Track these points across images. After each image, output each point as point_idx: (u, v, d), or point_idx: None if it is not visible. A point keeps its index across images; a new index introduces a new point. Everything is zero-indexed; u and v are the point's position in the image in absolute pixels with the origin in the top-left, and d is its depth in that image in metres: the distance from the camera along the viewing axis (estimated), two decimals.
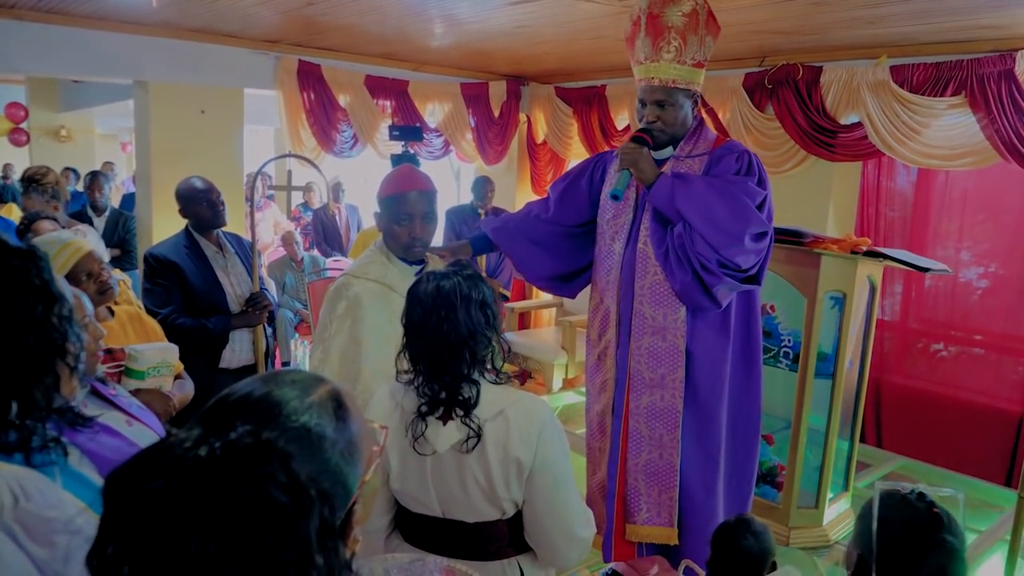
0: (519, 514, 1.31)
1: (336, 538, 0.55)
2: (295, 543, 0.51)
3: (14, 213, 4.28)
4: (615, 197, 1.98)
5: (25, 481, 0.85)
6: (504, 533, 1.31)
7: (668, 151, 2.06)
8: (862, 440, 3.12)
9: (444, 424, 1.26)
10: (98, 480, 1.04)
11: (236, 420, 0.57)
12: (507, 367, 1.36)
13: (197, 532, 0.48)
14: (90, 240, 2.91)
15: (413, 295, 1.29)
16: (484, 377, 1.29)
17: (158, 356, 1.81)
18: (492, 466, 1.24)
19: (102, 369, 1.41)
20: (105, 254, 2.89)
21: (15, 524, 0.81)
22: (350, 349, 1.79)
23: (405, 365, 1.30)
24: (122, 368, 1.75)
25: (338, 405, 0.65)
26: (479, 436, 1.24)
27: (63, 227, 2.90)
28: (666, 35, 1.94)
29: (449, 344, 1.24)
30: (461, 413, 1.25)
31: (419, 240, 1.84)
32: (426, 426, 1.26)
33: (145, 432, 1.36)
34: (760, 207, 1.91)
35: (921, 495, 1.09)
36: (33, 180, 3.59)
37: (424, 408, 1.26)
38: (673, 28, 1.93)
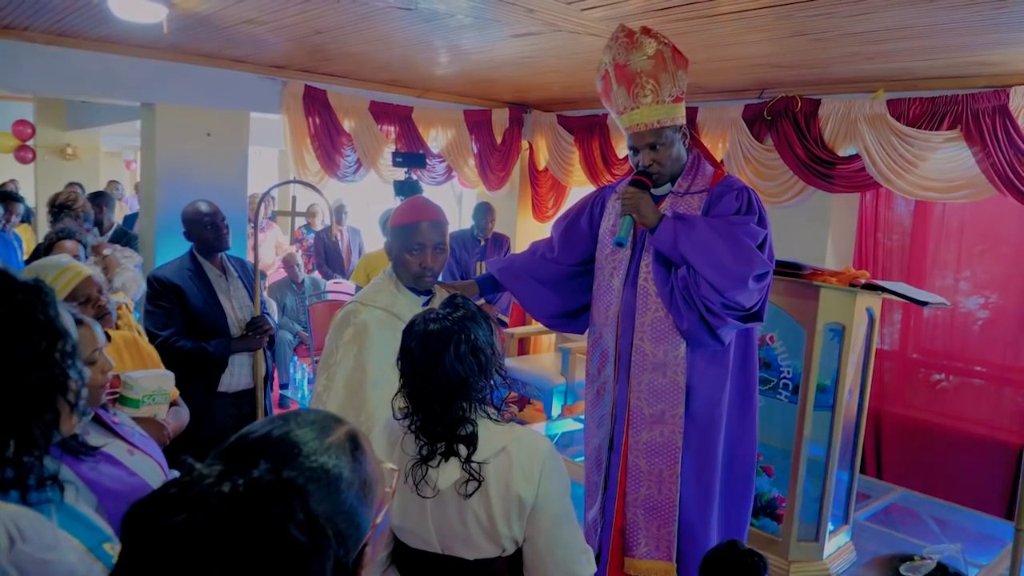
0: (519, 551, 1.30)
1: None
2: None
3: (28, 234, 4.32)
4: (620, 244, 1.99)
5: (22, 521, 0.84)
6: (503, 571, 1.29)
7: (667, 187, 2.07)
8: (862, 471, 3.10)
9: (446, 460, 1.25)
10: (94, 517, 1.04)
11: (258, 458, 0.58)
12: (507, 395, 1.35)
13: (217, 568, 0.49)
14: (135, 269, 2.92)
15: (403, 340, 1.27)
16: (486, 415, 1.28)
17: (154, 384, 1.79)
18: (493, 502, 1.24)
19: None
20: (140, 280, 2.87)
21: (11, 567, 0.81)
22: (355, 377, 1.79)
23: (402, 403, 1.29)
24: (116, 396, 1.73)
25: (355, 446, 0.66)
26: (480, 482, 1.23)
27: (89, 251, 2.94)
28: (639, 80, 1.94)
29: (438, 392, 1.22)
30: (463, 455, 1.24)
31: (430, 269, 1.86)
32: (426, 470, 1.25)
33: (146, 461, 1.36)
34: (761, 247, 1.92)
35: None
36: (66, 207, 3.65)
37: (425, 451, 1.25)
38: (643, 72, 1.94)
